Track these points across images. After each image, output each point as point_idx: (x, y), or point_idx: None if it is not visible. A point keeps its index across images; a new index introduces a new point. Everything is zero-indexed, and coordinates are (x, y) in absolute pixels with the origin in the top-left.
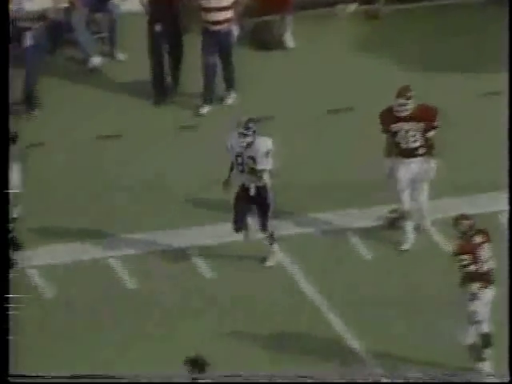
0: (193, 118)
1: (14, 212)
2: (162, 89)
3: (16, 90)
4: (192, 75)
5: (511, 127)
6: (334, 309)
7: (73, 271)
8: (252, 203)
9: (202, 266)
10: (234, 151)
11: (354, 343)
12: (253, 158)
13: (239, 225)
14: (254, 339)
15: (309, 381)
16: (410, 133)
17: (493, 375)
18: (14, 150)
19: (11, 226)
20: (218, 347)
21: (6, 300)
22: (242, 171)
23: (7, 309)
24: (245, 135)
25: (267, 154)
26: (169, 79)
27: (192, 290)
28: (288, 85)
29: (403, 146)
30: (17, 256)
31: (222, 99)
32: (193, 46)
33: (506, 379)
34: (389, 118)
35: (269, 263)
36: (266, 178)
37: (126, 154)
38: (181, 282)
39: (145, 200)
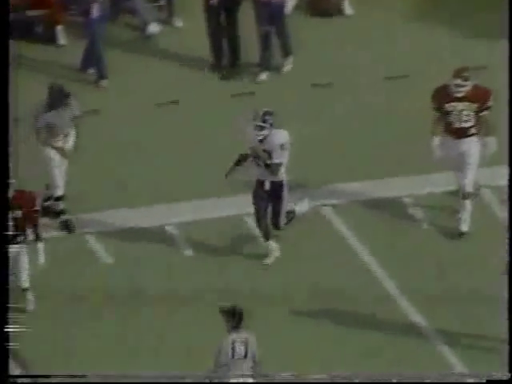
0: (250, 84)
1: (58, 191)
2: (219, 56)
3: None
4: (249, 44)
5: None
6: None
7: (128, 237)
8: (267, 198)
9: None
10: (249, 143)
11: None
12: (268, 152)
13: (263, 222)
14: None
15: (321, 381)
16: (464, 113)
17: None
18: (66, 112)
19: (60, 205)
20: None
21: (6, 300)
22: (258, 165)
23: (7, 309)
24: (261, 128)
25: (282, 146)
26: (226, 47)
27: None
28: (346, 51)
29: (455, 125)
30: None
31: (279, 67)
32: (249, 15)
33: (506, 379)
34: (443, 96)
35: (267, 261)
36: (281, 172)
37: (184, 120)
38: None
39: (202, 167)
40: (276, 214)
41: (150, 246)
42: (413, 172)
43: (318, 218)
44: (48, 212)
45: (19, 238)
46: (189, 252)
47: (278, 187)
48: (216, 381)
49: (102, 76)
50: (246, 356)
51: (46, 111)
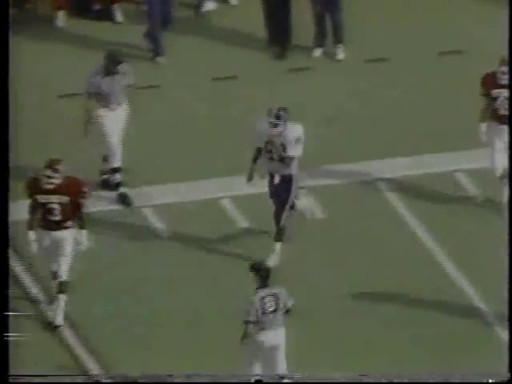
0: (306, 60)
1: (115, 163)
2: (274, 33)
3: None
4: (304, 22)
5: None
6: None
7: (184, 210)
8: (275, 192)
9: None
10: (262, 138)
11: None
12: (283, 146)
13: (280, 219)
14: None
15: (308, 380)
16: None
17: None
18: (120, 79)
19: (117, 178)
20: None
21: (6, 301)
22: (271, 159)
23: (7, 309)
24: (276, 125)
25: (297, 140)
26: (281, 24)
27: None
28: (401, 27)
29: (501, 112)
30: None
31: (332, 47)
32: None
33: (506, 379)
34: (491, 82)
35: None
36: (294, 165)
37: (242, 95)
38: None
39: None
40: (280, 208)
41: (205, 220)
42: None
43: (376, 194)
44: (106, 185)
45: (65, 224)
46: (244, 224)
47: (287, 181)
48: (216, 381)
49: (158, 53)
50: (276, 310)
51: (99, 77)
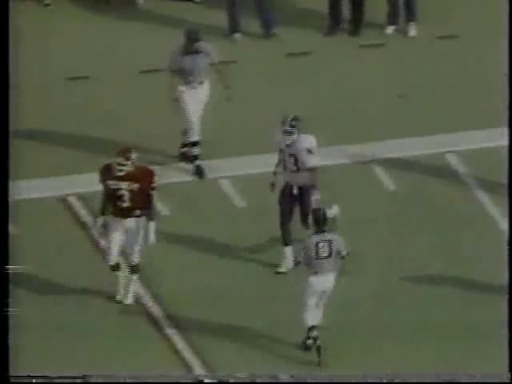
0: (377, 37)
1: (194, 136)
2: (337, 20)
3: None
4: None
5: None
6: None
7: (258, 182)
8: (294, 202)
9: None
10: (278, 146)
11: None
12: (294, 156)
13: (286, 226)
14: None
15: (309, 380)
16: None
17: (492, 375)
18: (201, 58)
19: (195, 151)
20: None
21: (6, 301)
22: (285, 168)
23: (7, 309)
24: (290, 133)
25: (310, 151)
26: (354, 2)
27: None
28: (473, 4)
29: None
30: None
31: (405, 24)
32: None
33: (506, 379)
34: None
35: (281, 269)
36: (309, 176)
37: (317, 71)
38: None
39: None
40: (305, 214)
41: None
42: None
43: (445, 168)
44: (184, 157)
45: (134, 212)
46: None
47: (305, 191)
48: (218, 381)
49: (234, 30)
50: (329, 256)
51: (181, 55)
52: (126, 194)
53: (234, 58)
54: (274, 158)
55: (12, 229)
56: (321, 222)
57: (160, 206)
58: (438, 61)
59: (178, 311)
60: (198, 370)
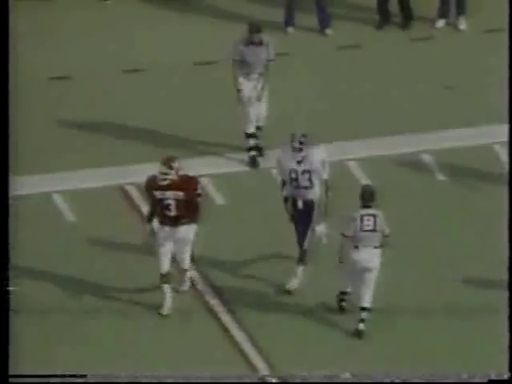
0: (429, 30)
1: (250, 128)
2: (385, 14)
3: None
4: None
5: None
6: None
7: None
8: (298, 216)
9: None
10: (286, 167)
11: None
12: (308, 172)
13: (303, 243)
14: None
15: (297, 380)
16: None
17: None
18: (262, 52)
19: (251, 142)
20: None
21: (6, 302)
22: (297, 187)
23: (7, 309)
24: (300, 150)
25: (323, 163)
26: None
27: None
28: None
29: None
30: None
31: (455, 18)
32: None
33: (506, 378)
34: None
35: (289, 286)
36: (319, 190)
37: (367, 64)
38: None
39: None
40: (304, 232)
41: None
42: None
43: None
44: (241, 148)
45: (181, 220)
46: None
47: (310, 205)
48: (220, 381)
49: (288, 24)
50: (373, 231)
51: (243, 46)
52: (172, 203)
53: (287, 50)
54: (328, 147)
55: (70, 218)
56: (368, 197)
57: (215, 195)
58: (487, 54)
59: (236, 304)
60: (261, 369)
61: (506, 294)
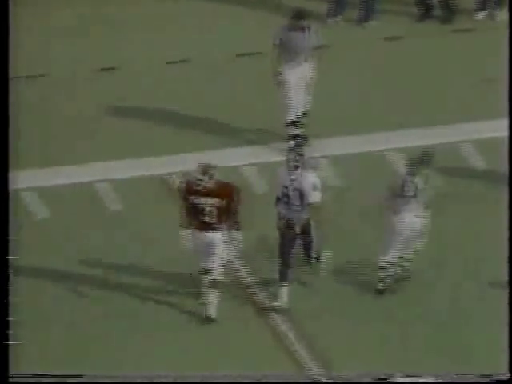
0: (469, 21)
1: (291, 115)
2: (426, 7)
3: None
4: None
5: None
6: None
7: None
8: (295, 238)
9: None
10: (280, 184)
11: None
12: (299, 191)
13: (287, 262)
14: None
15: (309, 380)
16: None
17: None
18: (306, 37)
19: (292, 130)
20: None
21: (7, 300)
22: (287, 203)
23: (7, 309)
24: (296, 167)
25: (315, 187)
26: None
27: None
28: None
29: None
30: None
31: (494, 9)
32: None
33: (506, 378)
34: None
35: (277, 303)
36: (314, 211)
37: (408, 55)
38: None
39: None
40: (308, 249)
41: (372, 172)
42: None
43: None
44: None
45: (217, 226)
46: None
47: (307, 226)
48: (223, 381)
49: (332, 15)
50: (414, 197)
51: (287, 31)
52: (208, 210)
53: (329, 41)
54: (371, 138)
55: (116, 206)
56: (416, 164)
57: (256, 184)
58: None
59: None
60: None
61: (506, 294)
